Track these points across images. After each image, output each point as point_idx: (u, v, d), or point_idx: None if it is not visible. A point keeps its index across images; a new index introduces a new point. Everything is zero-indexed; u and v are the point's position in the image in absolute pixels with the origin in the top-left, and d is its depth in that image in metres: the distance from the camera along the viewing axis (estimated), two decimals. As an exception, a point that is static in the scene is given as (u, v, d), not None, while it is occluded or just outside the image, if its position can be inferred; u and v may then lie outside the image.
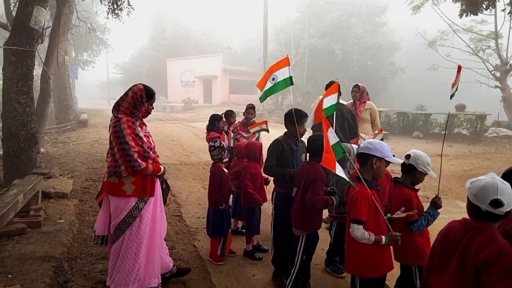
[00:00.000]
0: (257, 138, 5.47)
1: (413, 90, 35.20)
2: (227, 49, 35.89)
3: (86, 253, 4.05)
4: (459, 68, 3.20)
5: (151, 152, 3.02)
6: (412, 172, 2.78)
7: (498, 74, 17.23)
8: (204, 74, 33.10)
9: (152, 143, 3.10)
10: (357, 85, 5.64)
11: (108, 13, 9.40)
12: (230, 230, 4.12)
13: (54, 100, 14.53)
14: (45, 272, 3.34)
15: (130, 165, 2.82)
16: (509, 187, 1.83)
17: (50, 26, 8.84)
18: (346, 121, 4.85)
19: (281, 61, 3.63)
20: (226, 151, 4.06)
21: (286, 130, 3.57)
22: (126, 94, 2.95)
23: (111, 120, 2.94)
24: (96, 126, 16.74)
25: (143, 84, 3.02)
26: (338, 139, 2.58)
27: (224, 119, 5.46)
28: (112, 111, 2.95)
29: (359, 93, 5.54)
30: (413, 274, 2.80)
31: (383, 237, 2.48)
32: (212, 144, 3.91)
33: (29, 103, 6.33)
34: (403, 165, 2.83)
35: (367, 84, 5.72)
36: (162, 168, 3.13)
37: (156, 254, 3.11)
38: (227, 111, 5.84)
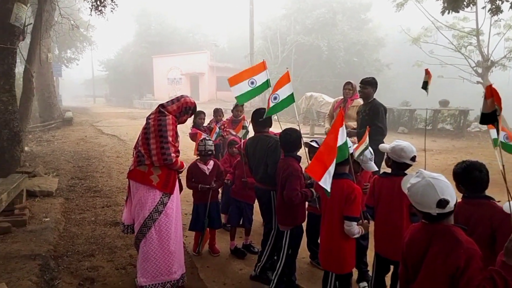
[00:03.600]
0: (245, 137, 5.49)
1: (398, 86, 35.51)
2: (213, 46, 35.60)
3: (73, 251, 4.04)
4: (427, 71, 3.33)
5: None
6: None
7: (480, 70, 17.55)
8: (191, 71, 32.87)
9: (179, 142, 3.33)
10: (350, 82, 5.67)
11: (91, 10, 9.28)
12: (208, 228, 4.12)
13: (37, 98, 14.25)
14: (31, 270, 3.33)
15: (163, 158, 3.02)
16: (442, 180, 1.78)
17: (31, 23, 8.67)
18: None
19: (258, 65, 3.86)
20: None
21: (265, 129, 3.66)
22: (177, 99, 3.29)
23: (151, 114, 3.20)
24: (82, 124, 16.50)
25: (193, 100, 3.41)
26: (345, 139, 2.56)
27: (202, 115, 5.66)
28: (159, 108, 3.21)
29: (352, 91, 5.59)
30: None
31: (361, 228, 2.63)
32: (208, 139, 4.08)
33: (12, 101, 6.23)
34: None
35: (353, 80, 5.77)
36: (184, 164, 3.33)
37: (181, 247, 3.32)
38: (214, 109, 6.04)
